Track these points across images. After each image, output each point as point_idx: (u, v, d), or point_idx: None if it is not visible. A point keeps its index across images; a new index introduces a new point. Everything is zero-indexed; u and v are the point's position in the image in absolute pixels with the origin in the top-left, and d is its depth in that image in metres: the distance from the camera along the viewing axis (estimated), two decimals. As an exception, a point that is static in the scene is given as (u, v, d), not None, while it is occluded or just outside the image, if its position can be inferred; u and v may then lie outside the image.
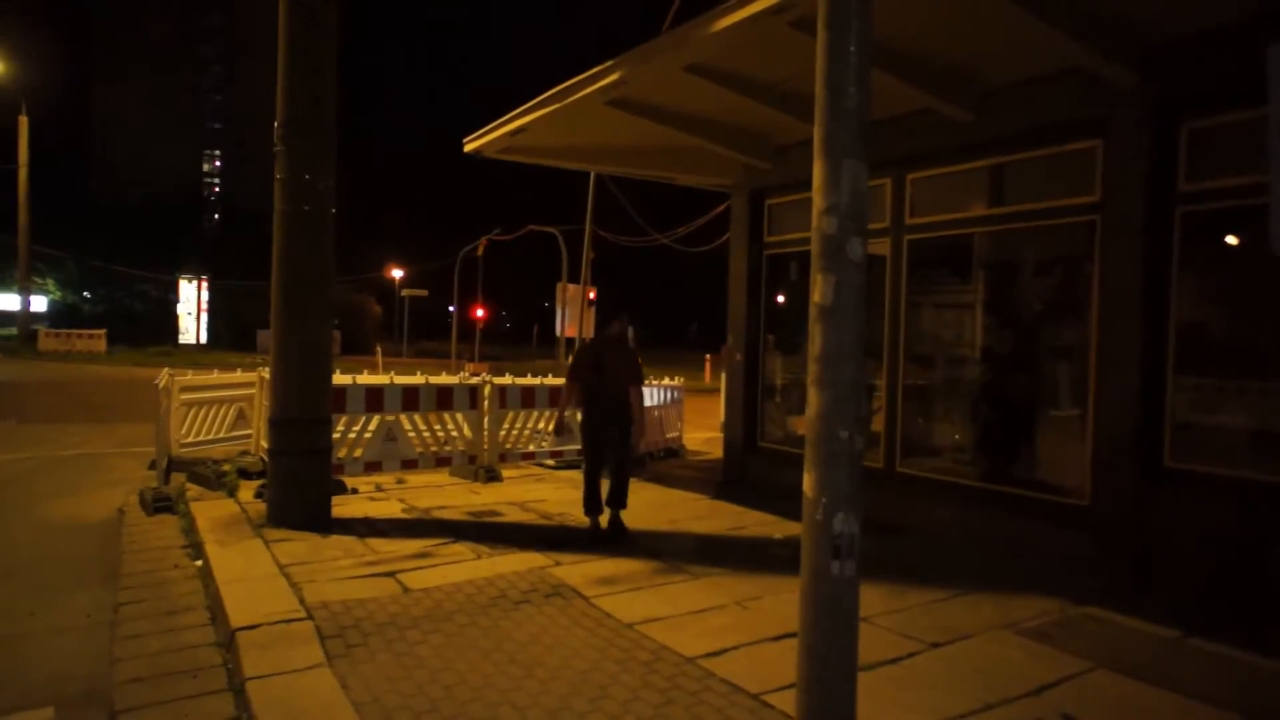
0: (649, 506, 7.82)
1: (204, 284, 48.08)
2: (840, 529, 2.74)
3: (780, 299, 9.51)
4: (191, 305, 50.08)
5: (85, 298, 54.93)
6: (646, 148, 9.04)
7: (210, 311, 49.85)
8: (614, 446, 6.71)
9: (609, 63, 6.70)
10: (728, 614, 4.97)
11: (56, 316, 50.12)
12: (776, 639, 4.51)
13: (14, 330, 38.62)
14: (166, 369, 9.68)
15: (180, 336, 49.29)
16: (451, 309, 47.10)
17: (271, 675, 4.10)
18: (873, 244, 7.72)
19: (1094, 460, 6.02)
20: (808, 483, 2.82)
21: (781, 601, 5.10)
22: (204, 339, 48.56)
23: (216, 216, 79.09)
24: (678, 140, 8.37)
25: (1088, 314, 6.16)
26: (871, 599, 5.07)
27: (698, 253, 18.41)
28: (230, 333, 48.76)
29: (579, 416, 7.16)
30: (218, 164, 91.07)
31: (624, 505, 6.73)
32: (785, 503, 6.65)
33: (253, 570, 5.70)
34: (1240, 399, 5.56)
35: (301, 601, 5.05)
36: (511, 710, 3.66)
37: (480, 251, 32.59)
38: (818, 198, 2.67)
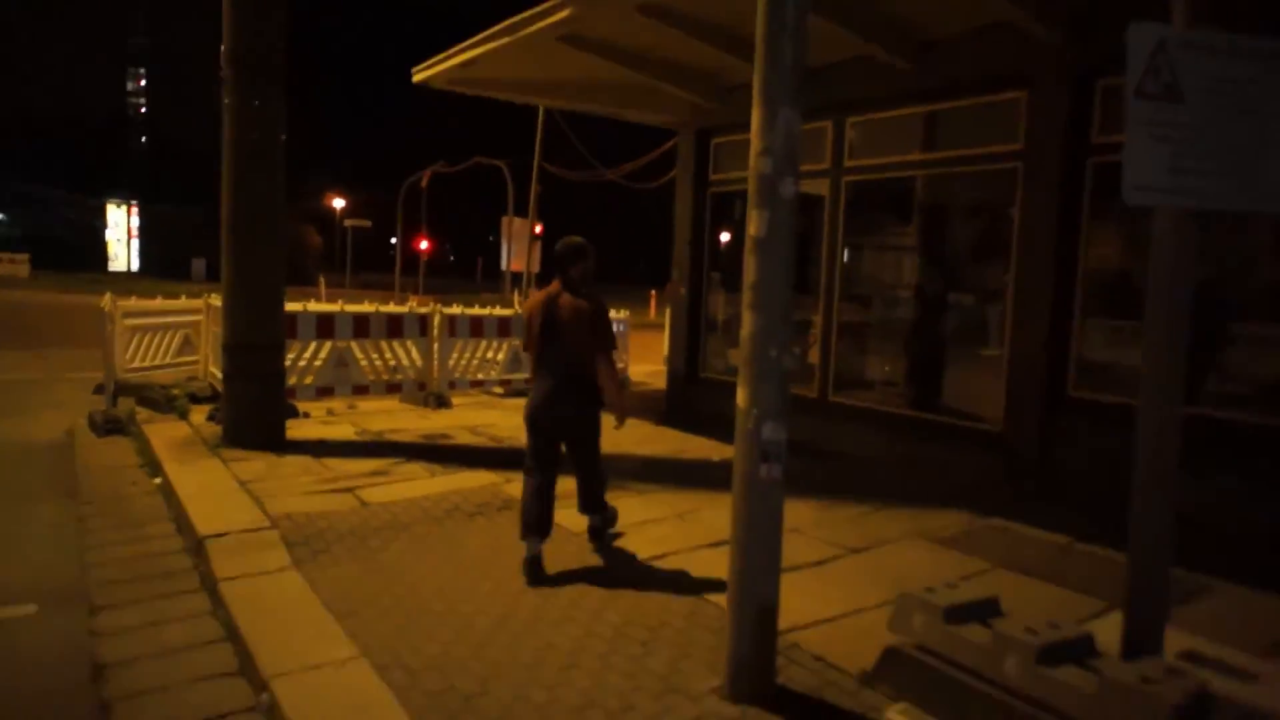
0: (595, 432, 8.20)
1: (134, 209, 46.33)
2: (769, 436, 3.10)
3: (724, 236, 9.82)
4: (121, 231, 48.36)
5: (1, 220, 52.56)
6: (596, 84, 9.15)
7: (142, 238, 48.19)
8: (575, 447, 4.73)
9: (562, -1, 6.81)
10: (668, 525, 5.40)
11: (-29, 240, 48.01)
12: (712, 545, 4.94)
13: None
14: (109, 293, 9.61)
15: (110, 264, 47.65)
16: (394, 241, 46.44)
17: (242, 577, 4.39)
18: (813, 184, 8.07)
19: (1008, 391, 6.55)
20: (741, 396, 3.17)
21: (718, 514, 5.52)
22: (135, 266, 47.03)
23: (144, 139, 75.65)
24: (628, 78, 8.51)
25: (1009, 257, 6.62)
26: (803, 513, 5.54)
27: (644, 189, 18.53)
28: (162, 261, 47.31)
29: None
30: (143, 83, 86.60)
31: (602, 505, 4.95)
32: (725, 429, 6.97)
33: (214, 486, 5.92)
34: (1136, 338, 6.10)
35: (265, 513, 5.31)
36: (470, 604, 4.02)
37: (424, 183, 32.11)
38: (755, 140, 2.97)
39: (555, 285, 4.57)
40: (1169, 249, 2.36)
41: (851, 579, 4.56)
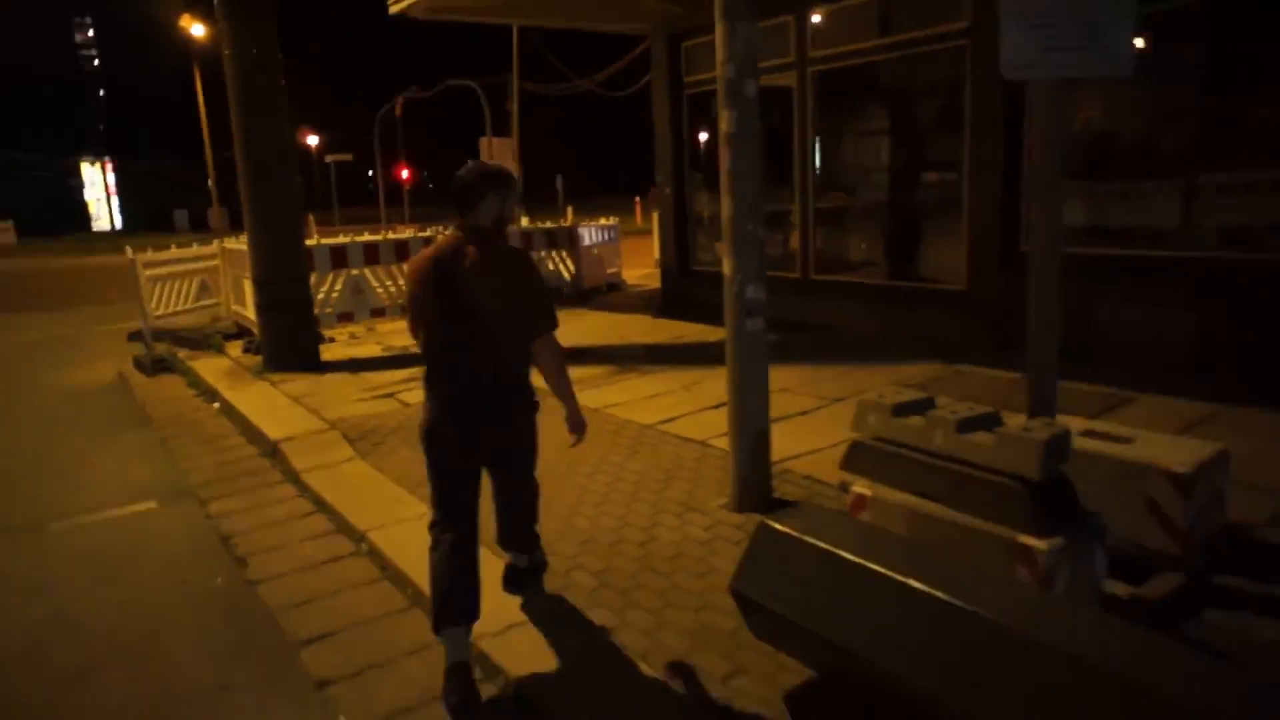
0: (600, 328, 8.94)
1: (108, 166, 45.99)
2: (751, 295, 3.82)
3: (703, 136, 10.34)
4: (99, 189, 48.09)
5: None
6: (570, -1, 9.54)
7: (121, 195, 48.00)
8: (502, 472, 3.20)
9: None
10: (675, 396, 6.18)
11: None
12: (715, 408, 5.72)
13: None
14: (129, 248, 10.18)
15: (93, 223, 47.55)
16: (371, 173, 46.19)
17: (318, 468, 5.18)
18: (781, 77, 8.58)
19: (969, 252, 7.25)
20: (726, 265, 3.87)
21: (717, 384, 6.26)
22: (118, 224, 46.97)
23: (102, 93, 73.94)
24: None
25: (963, 132, 7.21)
26: (791, 376, 6.31)
27: (618, 97, 18.77)
28: (144, 215, 47.25)
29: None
30: (90, 33, 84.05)
31: (535, 538, 3.46)
32: (718, 316, 7.66)
33: (270, 403, 6.68)
34: (1078, 195, 6.77)
35: (322, 419, 6.08)
36: (517, 467, 4.81)
37: (399, 111, 32.00)
38: (719, 50, 3.58)
39: (451, 235, 2.95)
40: (1042, 114, 3.01)
41: (833, 422, 5.34)
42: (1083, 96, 6.66)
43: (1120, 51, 2.88)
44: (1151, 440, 3.27)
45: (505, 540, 3.41)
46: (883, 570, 2.25)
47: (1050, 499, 2.65)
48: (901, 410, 3.11)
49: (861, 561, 2.31)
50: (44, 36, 74.27)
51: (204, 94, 33.39)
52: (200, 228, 39.11)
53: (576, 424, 3.07)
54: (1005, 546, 2.68)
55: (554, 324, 2.97)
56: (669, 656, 2.86)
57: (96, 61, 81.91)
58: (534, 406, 3.09)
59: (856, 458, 3.25)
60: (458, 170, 2.98)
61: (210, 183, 37.85)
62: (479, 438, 2.98)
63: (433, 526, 3.05)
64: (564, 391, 3.03)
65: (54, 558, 4.25)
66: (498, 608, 3.17)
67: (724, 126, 3.74)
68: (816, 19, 8.32)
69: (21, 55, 65.29)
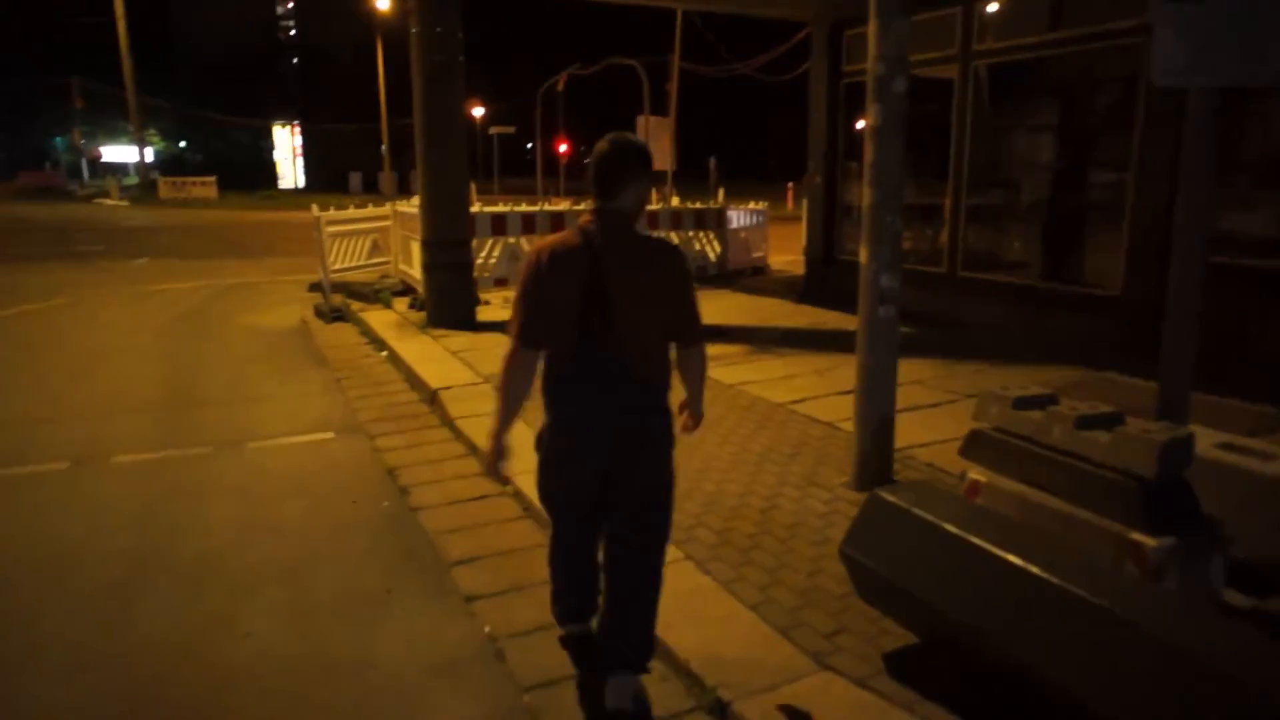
0: (740, 309, 9.19)
1: (296, 129, 49.68)
2: (885, 284, 3.97)
3: (858, 125, 10.30)
4: (286, 150, 52.07)
5: (183, 147, 57.49)
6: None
7: (304, 156, 51.79)
8: (638, 513, 2.60)
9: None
10: (807, 379, 6.35)
11: (164, 165, 52.88)
12: (846, 393, 5.81)
13: (135, 179, 41.25)
14: (315, 206, 11.19)
15: (279, 182, 51.58)
16: (530, 145, 47.69)
17: (471, 416, 5.68)
18: (943, 69, 8.47)
19: (1127, 256, 7.00)
20: (863, 254, 4.03)
21: (851, 370, 6.29)
22: (301, 183, 50.72)
23: (295, 60, 79.52)
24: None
25: (1131, 133, 6.94)
26: (927, 370, 6.36)
27: (776, 82, 18.75)
28: (324, 175, 50.84)
29: (541, 440, 2.70)
30: (290, 5, 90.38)
31: (650, 648, 2.69)
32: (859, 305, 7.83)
33: (432, 355, 7.30)
34: (1251, 205, 6.42)
35: (477, 373, 6.63)
36: (650, 431, 5.15)
37: (561, 86, 32.97)
38: (871, 47, 3.73)
39: (590, 220, 2.48)
40: (1198, 119, 3.00)
41: (962, 415, 5.31)
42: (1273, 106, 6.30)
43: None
44: (1290, 457, 3.22)
45: (614, 643, 2.62)
46: (979, 543, 2.41)
47: (1166, 499, 2.72)
48: (1023, 404, 3.21)
49: (962, 534, 2.49)
50: (249, 11, 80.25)
51: (384, 65, 35.52)
52: (371, 189, 41.71)
53: (697, 415, 2.74)
54: (1115, 542, 2.77)
55: (702, 333, 2.60)
56: (779, 611, 3.11)
57: (293, 31, 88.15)
58: (670, 438, 2.57)
59: (975, 445, 3.38)
60: (599, 145, 2.51)
61: (383, 148, 40.25)
62: (619, 477, 2.50)
63: (555, 556, 2.79)
64: (697, 395, 2.72)
65: (253, 471, 4.92)
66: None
67: (870, 121, 3.89)
68: (984, 12, 8.15)
69: (230, 28, 71.01)
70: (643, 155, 2.54)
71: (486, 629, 3.20)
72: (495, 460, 2.66)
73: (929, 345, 6.98)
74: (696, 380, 2.67)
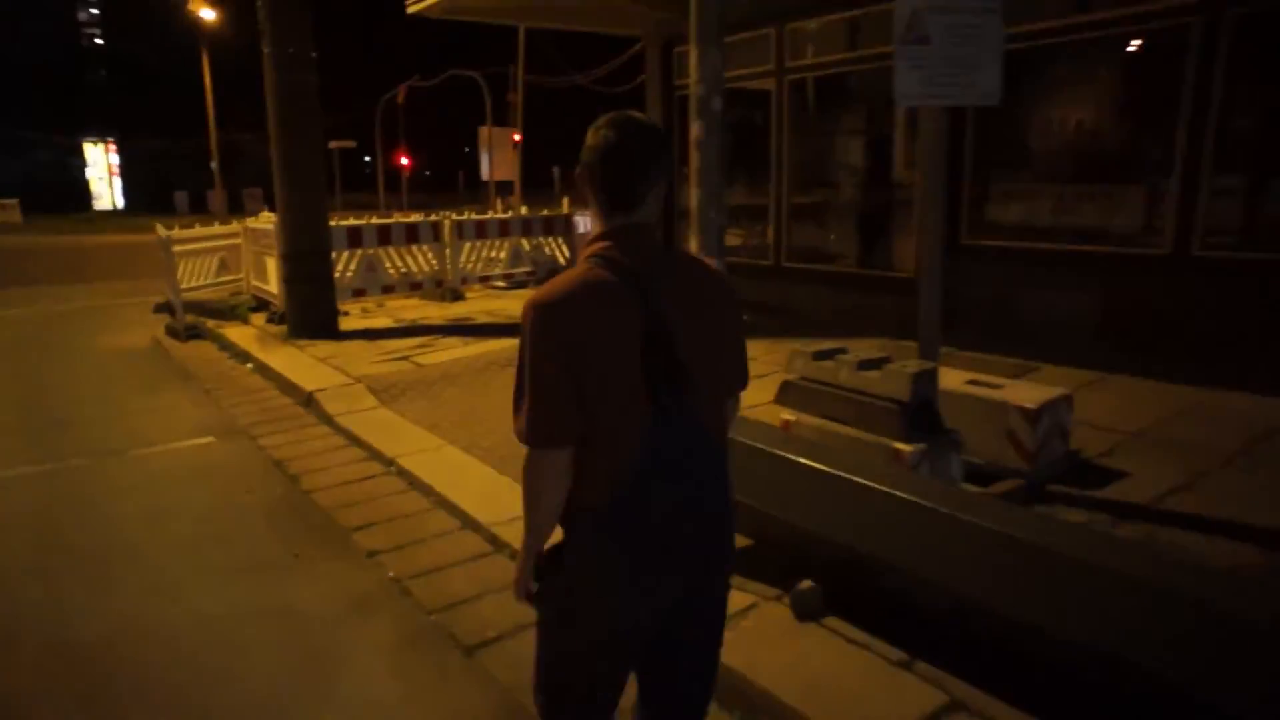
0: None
1: (111, 147, 46.60)
2: (711, 269, 4.74)
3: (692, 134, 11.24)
4: (101, 169, 48.69)
5: (-27, 168, 52.64)
6: (573, 6, 10.46)
7: (123, 175, 48.61)
8: (697, 650, 1.87)
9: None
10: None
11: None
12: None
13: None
14: (159, 225, 11.05)
15: (95, 203, 48.18)
16: (367, 159, 46.71)
17: (348, 413, 6.11)
18: (763, 83, 9.52)
19: (917, 244, 8.18)
20: (693, 245, 4.80)
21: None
22: (120, 204, 47.59)
23: (104, 72, 74.23)
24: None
25: (915, 138, 8.14)
26: (756, 349, 7.15)
27: (616, 93, 19.63)
28: (146, 196, 47.88)
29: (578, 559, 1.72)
30: (94, 11, 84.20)
31: None
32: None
33: (299, 362, 7.59)
34: (1021, 194, 7.72)
35: (348, 376, 7.00)
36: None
37: (401, 98, 32.77)
38: (692, 71, 4.51)
39: (604, 247, 1.69)
40: (926, 133, 3.95)
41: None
42: (1012, 114, 7.62)
43: (989, 86, 3.83)
44: (1014, 386, 4.23)
45: None
46: (789, 455, 3.18)
47: (916, 416, 3.60)
48: (820, 355, 4.07)
49: (776, 451, 3.26)
50: (48, 15, 73.95)
51: (210, 79, 34.05)
52: (199, 210, 39.73)
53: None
54: (885, 452, 3.63)
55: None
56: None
57: (97, 40, 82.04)
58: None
59: (785, 393, 4.21)
60: (598, 134, 1.71)
61: (214, 165, 38.47)
62: (695, 604, 1.79)
63: None
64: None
65: (143, 474, 5.16)
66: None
67: (694, 134, 4.67)
68: (794, 32, 9.24)
69: (24, 34, 65.32)
70: (666, 140, 1.78)
71: (391, 573, 3.72)
72: (527, 579, 1.80)
73: (760, 329, 7.90)
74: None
